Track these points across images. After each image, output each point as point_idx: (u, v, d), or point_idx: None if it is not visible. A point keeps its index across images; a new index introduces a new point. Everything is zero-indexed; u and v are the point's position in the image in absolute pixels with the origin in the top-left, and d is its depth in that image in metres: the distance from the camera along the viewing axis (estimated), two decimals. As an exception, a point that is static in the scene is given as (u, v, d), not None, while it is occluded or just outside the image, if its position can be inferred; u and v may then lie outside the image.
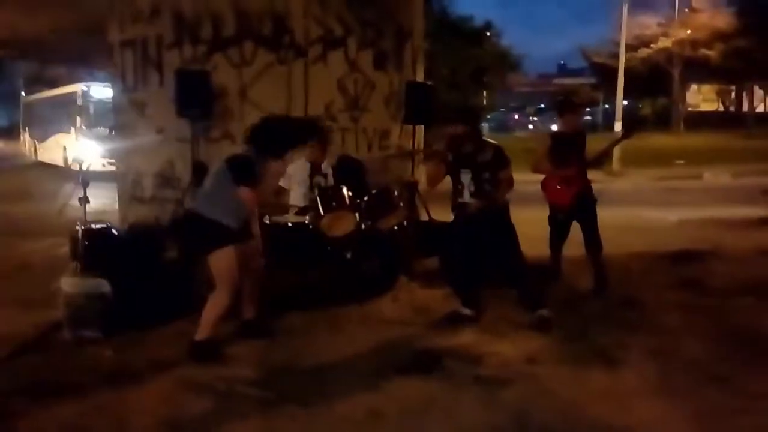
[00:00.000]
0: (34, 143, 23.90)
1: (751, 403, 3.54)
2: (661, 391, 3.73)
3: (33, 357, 4.27)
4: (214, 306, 4.15)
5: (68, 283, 4.57)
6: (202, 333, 4.15)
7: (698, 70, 33.84)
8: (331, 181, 5.82)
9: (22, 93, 30.34)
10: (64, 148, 19.65)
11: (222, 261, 4.10)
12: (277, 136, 4.25)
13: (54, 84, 26.84)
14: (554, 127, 7.26)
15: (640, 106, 40.86)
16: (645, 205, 11.85)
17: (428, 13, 22.44)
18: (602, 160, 5.88)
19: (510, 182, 4.88)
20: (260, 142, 4.22)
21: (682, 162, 20.95)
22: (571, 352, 4.32)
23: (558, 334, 4.64)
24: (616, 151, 19.30)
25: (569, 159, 5.55)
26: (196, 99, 6.03)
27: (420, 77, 7.75)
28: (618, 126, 20.20)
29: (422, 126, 7.56)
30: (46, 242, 7.56)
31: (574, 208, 5.63)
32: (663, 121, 35.27)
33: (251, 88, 6.43)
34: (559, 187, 5.64)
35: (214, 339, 4.22)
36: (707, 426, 3.35)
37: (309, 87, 6.55)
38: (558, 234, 5.86)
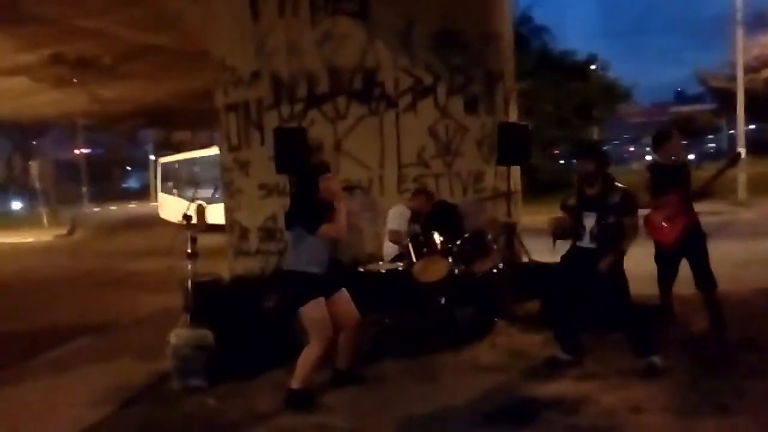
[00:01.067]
0: (200, 206, 22.34)
1: None
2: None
3: (143, 406, 4.55)
4: (308, 356, 4.25)
5: (176, 335, 4.86)
6: (296, 382, 4.26)
7: (831, 86, 31.03)
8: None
9: (151, 156, 32.28)
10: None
11: (313, 312, 4.21)
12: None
13: (180, 148, 28.14)
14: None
15: (769, 129, 38.00)
16: (776, 237, 10.89)
17: (528, 51, 22.38)
18: (707, 191, 5.45)
19: (636, 230, 4.60)
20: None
21: (820, 187, 19.10)
22: (681, 399, 4.01)
23: (667, 380, 4.32)
24: (742, 180, 18.01)
25: (670, 193, 5.23)
26: (294, 155, 6.30)
27: (513, 118, 7.71)
28: (742, 152, 18.89)
29: (518, 167, 7.51)
30: (167, 295, 8.08)
31: (681, 244, 5.28)
32: (795, 145, 32.51)
33: (346, 140, 6.67)
34: (664, 224, 5.32)
35: (309, 388, 4.31)
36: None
37: (401, 135, 6.70)
38: (666, 273, 5.50)
